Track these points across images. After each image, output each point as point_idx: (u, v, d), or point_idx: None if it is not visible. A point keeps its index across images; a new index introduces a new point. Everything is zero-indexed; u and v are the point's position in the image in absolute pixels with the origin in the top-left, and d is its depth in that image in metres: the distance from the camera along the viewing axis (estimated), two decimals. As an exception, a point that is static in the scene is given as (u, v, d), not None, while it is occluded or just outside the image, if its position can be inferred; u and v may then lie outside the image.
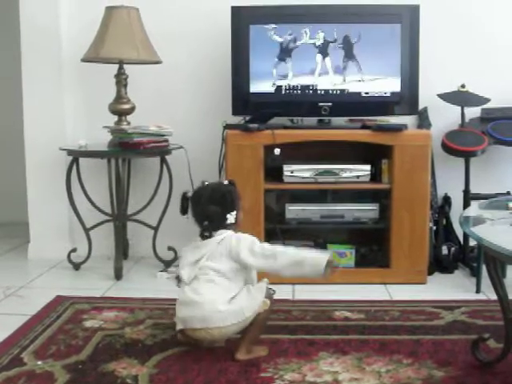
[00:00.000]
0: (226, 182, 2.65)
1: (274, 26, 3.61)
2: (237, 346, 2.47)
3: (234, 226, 2.57)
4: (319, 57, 3.62)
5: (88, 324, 2.86)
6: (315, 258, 2.46)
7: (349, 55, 3.61)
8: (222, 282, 2.45)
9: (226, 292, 2.44)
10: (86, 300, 3.21)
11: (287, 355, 2.49)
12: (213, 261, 2.46)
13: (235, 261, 2.46)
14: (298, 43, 3.62)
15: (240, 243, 2.47)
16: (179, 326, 2.48)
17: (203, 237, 2.50)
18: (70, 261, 3.88)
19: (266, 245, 2.51)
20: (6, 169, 5.25)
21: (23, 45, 4.06)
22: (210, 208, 2.50)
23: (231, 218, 2.53)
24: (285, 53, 3.62)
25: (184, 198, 2.57)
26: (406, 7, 3.60)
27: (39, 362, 2.43)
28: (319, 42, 3.61)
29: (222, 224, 2.52)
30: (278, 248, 2.49)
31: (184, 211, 2.57)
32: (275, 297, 3.27)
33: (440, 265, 3.76)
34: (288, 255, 2.46)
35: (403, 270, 3.51)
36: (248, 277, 2.54)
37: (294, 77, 3.64)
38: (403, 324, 2.86)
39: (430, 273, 3.63)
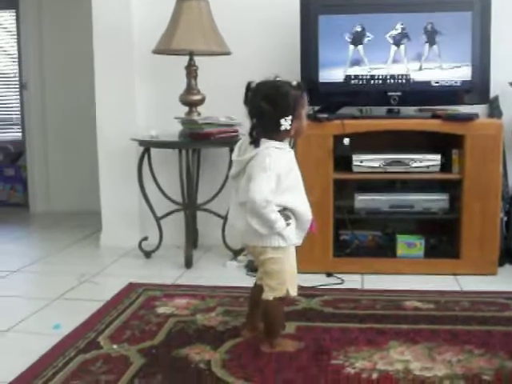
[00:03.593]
0: (294, 83, 2.32)
1: (343, 15, 3.60)
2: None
3: (289, 135, 2.35)
4: (390, 46, 3.59)
5: (160, 310, 2.93)
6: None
7: (420, 44, 3.57)
8: None
9: None
10: (158, 287, 3.28)
11: (358, 344, 2.50)
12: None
13: None
14: (367, 33, 3.60)
15: (260, 170, 2.25)
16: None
17: (251, 136, 2.31)
18: (141, 249, 3.97)
19: (273, 205, 2.25)
20: (79, 159, 5.40)
21: (95, 35, 4.16)
22: (262, 105, 2.26)
23: (286, 124, 2.27)
24: (354, 42, 3.61)
25: (248, 88, 2.34)
26: (478, -6, 3.55)
27: (115, 346, 2.50)
28: (388, 32, 3.58)
29: (273, 127, 2.28)
30: (276, 219, 2.26)
31: (247, 101, 2.33)
32: (343, 286, 3.32)
33: (511, 256, 3.70)
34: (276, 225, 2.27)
35: (473, 260, 3.48)
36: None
37: (363, 66, 3.62)
38: (474, 315, 2.84)
39: (501, 264, 3.58)
